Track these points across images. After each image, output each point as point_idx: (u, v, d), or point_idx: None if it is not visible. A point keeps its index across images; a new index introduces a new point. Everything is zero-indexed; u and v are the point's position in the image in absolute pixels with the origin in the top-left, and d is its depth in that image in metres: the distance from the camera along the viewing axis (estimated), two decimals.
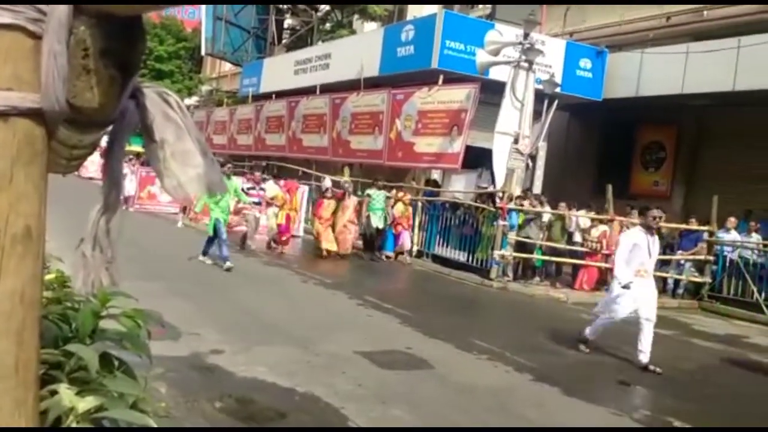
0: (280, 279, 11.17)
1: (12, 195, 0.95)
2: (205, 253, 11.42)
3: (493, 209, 13.13)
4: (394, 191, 15.24)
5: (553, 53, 16.03)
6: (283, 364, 6.13)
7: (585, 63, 16.90)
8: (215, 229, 11.19)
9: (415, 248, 15.05)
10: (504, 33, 14.63)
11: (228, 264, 10.92)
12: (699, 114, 16.82)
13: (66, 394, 1.27)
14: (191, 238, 13.82)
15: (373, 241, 14.83)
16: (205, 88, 37.94)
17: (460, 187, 16.45)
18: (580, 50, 17.04)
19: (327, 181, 15.39)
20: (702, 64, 14.51)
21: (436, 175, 17.77)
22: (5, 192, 0.94)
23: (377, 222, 14.55)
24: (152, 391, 1.60)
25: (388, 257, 14.82)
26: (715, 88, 14.31)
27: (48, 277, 1.90)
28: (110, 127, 1.14)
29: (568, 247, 13.23)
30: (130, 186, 18.98)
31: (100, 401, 1.30)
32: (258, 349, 6.52)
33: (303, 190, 17.54)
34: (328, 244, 13.98)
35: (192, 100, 36.17)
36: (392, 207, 14.74)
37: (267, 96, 24.85)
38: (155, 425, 1.38)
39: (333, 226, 14.18)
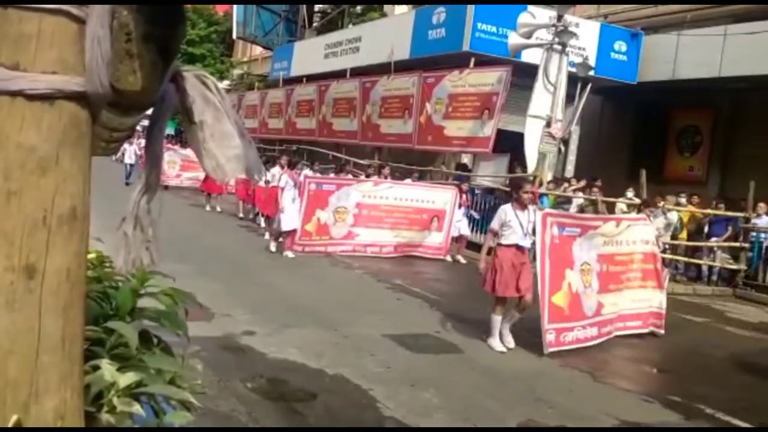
0: None
1: (59, 176, 0.98)
2: None
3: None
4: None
5: (587, 36, 15.76)
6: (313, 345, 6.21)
7: (620, 45, 16.58)
8: None
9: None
10: (537, 15, 14.41)
11: None
12: (737, 97, 16.39)
13: (108, 369, 1.32)
14: None
15: None
16: (236, 71, 38.12)
17: (489, 172, 16.27)
18: (614, 32, 16.70)
19: None
20: (740, 46, 14.12)
21: (465, 159, 17.65)
22: (52, 173, 0.97)
23: None
24: (189, 368, 1.64)
25: None
26: (753, 71, 13.93)
27: (88, 256, 1.94)
28: (150, 110, 1.17)
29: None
30: (292, 215, 10.99)
31: (139, 377, 1.35)
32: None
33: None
34: None
35: (223, 84, 36.36)
36: None
37: (297, 80, 24.88)
38: (193, 400, 1.41)
39: None
